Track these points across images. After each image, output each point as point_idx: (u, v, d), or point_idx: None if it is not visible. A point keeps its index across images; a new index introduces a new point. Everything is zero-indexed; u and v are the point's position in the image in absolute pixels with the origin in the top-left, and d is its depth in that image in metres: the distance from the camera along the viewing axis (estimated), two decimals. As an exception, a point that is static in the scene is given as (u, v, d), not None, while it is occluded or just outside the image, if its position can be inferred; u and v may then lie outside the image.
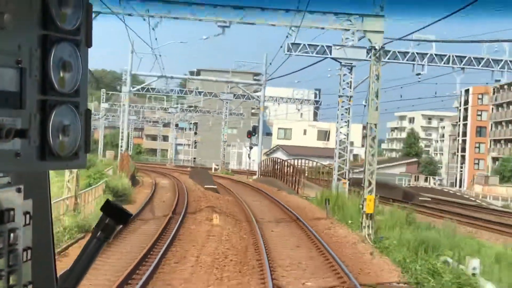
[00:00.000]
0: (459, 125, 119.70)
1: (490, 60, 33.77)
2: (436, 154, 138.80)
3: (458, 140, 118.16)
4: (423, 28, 26.71)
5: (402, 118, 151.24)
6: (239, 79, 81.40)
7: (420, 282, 13.60)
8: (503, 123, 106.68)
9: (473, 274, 13.94)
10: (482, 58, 33.78)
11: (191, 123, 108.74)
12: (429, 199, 38.68)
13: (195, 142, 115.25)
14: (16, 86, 1.21)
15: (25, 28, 1.24)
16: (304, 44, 28.82)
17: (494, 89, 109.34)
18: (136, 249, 16.23)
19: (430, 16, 24.93)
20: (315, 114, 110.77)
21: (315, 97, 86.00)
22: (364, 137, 33.22)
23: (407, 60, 32.60)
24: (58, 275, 1.51)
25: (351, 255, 16.97)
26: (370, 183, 21.29)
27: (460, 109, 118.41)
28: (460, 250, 16.64)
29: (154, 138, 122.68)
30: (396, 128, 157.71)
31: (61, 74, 1.29)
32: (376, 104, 21.59)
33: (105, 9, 19.93)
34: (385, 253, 17.28)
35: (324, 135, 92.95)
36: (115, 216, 1.38)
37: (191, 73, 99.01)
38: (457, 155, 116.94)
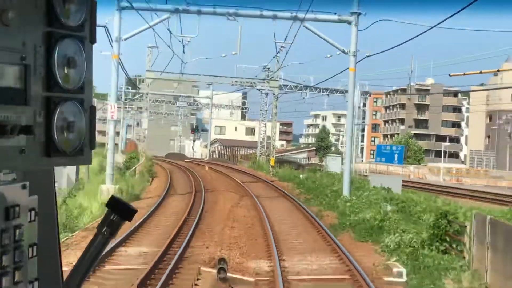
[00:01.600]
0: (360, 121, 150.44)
1: (343, 90, 63.86)
2: (343, 146, 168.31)
3: (359, 135, 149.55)
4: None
5: (316, 116, 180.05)
6: (182, 86, 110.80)
7: (281, 179, 43.36)
8: (390, 122, 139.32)
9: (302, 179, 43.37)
10: (339, 89, 63.88)
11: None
12: (309, 168, 68.78)
13: (144, 137, 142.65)
14: (21, 83, 1.25)
15: (29, 25, 1.27)
16: (241, 80, 58.00)
17: (386, 94, 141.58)
18: (184, 174, 45.22)
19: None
20: (243, 115, 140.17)
21: (243, 104, 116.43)
22: (281, 132, 60.46)
23: (298, 89, 62.17)
24: (63, 271, 1.57)
25: (263, 177, 46.49)
26: (273, 154, 50.96)
27: (361, 109, 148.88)
28: (304, 175, 46.30)
29: (104, 133, 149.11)
30: (311, 125, 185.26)
31: (66, 71, 1.33)
32: (275, 119, 51.13)
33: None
34: (276, 177, 46.90)
35: (250, 131, 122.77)
36: (120, 212, 1.42)
37: (140, 80, 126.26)
38: (358, 147, 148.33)
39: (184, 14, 29.22)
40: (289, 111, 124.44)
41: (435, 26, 25.48)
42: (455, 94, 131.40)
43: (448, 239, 16.46)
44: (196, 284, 13.40)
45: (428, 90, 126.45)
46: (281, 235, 19.88)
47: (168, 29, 32.88)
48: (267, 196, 32.16)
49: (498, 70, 64.14)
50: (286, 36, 37.74)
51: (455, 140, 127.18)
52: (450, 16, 22.00)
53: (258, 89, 61.62)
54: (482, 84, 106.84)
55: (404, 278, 14.63)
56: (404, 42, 25.97)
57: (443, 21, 23.43)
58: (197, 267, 14.71)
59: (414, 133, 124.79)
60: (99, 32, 25.17)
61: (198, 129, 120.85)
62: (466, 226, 15.46)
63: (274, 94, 51.34)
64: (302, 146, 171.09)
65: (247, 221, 22.73)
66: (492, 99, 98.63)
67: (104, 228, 1.43)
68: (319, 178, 38.50)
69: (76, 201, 23.44)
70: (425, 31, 28.44)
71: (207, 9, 28.91)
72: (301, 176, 41.53)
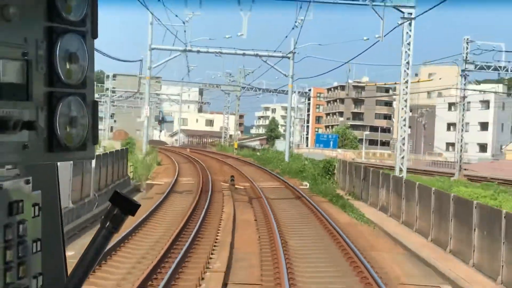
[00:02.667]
0: (304, 115, 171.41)
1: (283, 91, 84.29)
2: (291, 136, 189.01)
3: (304, 126, 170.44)
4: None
5: (266, 109, 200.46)
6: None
7: (244, 156, 63.69)
8: (331, 114, 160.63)
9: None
10: (284, 90, 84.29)
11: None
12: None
13: (112, 128, 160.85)
14: (23, 78, 1.25)
15: (31, 20, 1.27)
16: (211, 83, 77.90)
17: (328, 90, 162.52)
18: (176, 154, 65.02)
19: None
20: (200, 107, 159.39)
21: (200, 97, 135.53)
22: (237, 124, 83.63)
23: (253, 90, 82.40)
24: (67, 266, 1.59)
25: (231, 155, 66.66)
26: (234, 140, 71.12)
27: (305, 104, 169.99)
28: (260, 153, 66.46)
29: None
30: (262, 116, 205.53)
31: (68, 66, 1.34)
32: (238, 114, 71.18)
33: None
34: (240, 155, 67.11)
35: (210, 122, 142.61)
36: (123, 207, 1.42)
37: (107, 76, 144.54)
38: (303, 137, 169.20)
39: (189, 52, 48.85)
40: (242, 105, 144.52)
41: (345, 63, 45.78)
42: (387, 90, 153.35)
43: (329, 172, 36.82)
44: (223, 187, 33.22)
45: (363, 87, 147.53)
46: (252, 176, 39.86)
47: (187, 66, 52.57)
48: (237, 164, 52.09)
49: (419, 81, 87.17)
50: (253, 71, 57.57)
51: (386, 130, 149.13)
52: (356, 56, 42.31)
53: (222, 90, 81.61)
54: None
55: (308, 186, 34.85)
56: (324, 73, 46.05)
57: (352, 59, 43.61)
58: (220, 183, 34.65)
59: (351, 124, 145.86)
60: (137, 64, 44.28)
61: (163, 121, 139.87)
62: (335, 165, 35.98)
63: (236, 95, 71.38)
64: (253, 135, 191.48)
65: (232, 172, 42.77)
66: (413, 95, 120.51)
67: (108, 223, 1.43)
68: (270, 154, 58.78)
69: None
70: (339, 66, 48.88)
71: (203, 49, 48.58)
72: (258, 153, 61.76)
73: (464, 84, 46.33)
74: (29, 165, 1.37)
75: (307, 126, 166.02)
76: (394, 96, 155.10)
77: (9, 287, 1.28)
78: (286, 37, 45.46)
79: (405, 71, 26.61)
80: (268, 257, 16.34)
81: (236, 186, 33.34)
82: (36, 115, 1.29)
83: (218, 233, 19.63)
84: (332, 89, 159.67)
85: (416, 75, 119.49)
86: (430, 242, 18.80)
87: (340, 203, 27.77)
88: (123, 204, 1.43)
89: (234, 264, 15.79)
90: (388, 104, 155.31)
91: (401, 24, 26.64)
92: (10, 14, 1.22)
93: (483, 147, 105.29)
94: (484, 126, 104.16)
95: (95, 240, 1.44)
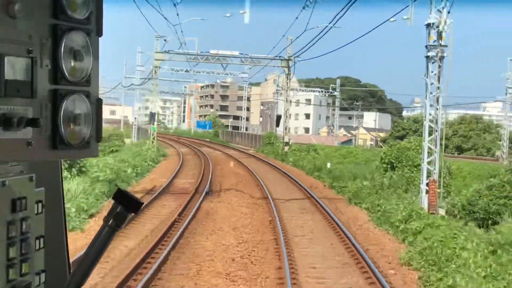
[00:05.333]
0: (182, 106, 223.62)
1: (184, 94, 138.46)
2: (169, 123, 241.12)
3: (181, 115, 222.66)
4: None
5: (147, 100, 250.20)
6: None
7: (164, 133, 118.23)
8: (204, 106, 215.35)
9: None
10: (180, 93, 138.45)
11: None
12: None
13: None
14: (27, 75, 1.30)
15: (36, 18, 1.32)
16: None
17: (201, 87, 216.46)
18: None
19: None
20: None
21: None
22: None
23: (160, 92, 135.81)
24: (70, 263, 1.65)
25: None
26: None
27: (183, 97, 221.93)
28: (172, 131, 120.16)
29: None
30: (141, 107, 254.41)
31: (72, 63, 1.39)
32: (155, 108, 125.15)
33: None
34: (160, 132, 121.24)
35: (113, 112, 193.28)
36: (126, 205, 1.47)
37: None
38: (180, 124, 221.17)
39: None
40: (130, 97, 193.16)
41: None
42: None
43: (217, 135, 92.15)
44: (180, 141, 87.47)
45: (228, 86, 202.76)
46: (183, 138, 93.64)
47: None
48: (168, 134, 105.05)
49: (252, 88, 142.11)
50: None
51: (246, 118, 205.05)
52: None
53: (139, 92, 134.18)
54: (259, 84, 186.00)
55: (208, 140, 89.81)
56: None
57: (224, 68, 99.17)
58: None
59: (220, 114, 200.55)
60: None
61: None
62: (219, 132, 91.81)
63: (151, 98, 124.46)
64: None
65: (171, 137, 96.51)
66: (264, 93, 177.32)
67: (111, 221, 1.47)
68: (180, 131, 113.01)
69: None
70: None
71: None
72: (171, 131, 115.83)
73: (277, 96, 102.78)
74: (32, 162, 1.43)
75: (184, 116, 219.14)
76: (251, 93, 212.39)
77: (12, 284, 1.32)
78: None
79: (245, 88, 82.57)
80: (214, 148, 71.63)
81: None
82: (40, 113, 1.34)
83: (197, 145, 74.43)
84: (205, 86, 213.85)
85: (266, 79, 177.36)
86: (249, 148, 75.11)
87: (223, 144, 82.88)
88: (126, 202, 1.48)
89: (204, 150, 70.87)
90: (247, 99, 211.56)
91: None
92: (15, 11, 1.27)
93: (307, 130, 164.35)
94: (307, 116, 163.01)
95: (98, 237, 1.48)
